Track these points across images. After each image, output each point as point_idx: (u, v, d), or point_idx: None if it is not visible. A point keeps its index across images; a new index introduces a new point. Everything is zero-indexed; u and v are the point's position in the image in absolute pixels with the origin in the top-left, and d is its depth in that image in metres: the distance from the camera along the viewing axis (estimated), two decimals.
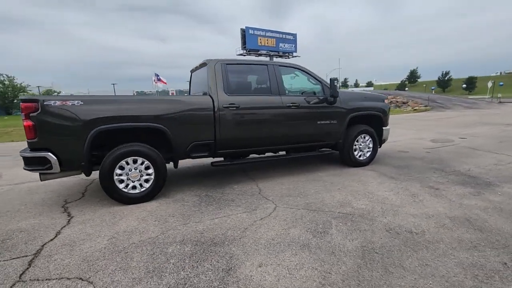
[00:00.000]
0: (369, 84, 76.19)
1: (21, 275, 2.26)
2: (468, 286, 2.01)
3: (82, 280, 2.18)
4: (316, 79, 4.80)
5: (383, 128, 5.38)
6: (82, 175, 4.10)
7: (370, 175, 4.75)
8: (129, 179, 3.64)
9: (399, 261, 2.31)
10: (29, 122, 3.20)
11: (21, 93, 35.01)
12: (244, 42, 45.13)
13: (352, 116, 4.97)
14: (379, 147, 5.70)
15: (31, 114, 3.19)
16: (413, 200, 3.61)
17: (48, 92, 39.30)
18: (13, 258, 2.50)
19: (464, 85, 71.06)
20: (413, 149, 6.87)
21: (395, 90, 62.01)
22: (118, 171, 3.57)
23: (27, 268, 2.35)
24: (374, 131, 5.28)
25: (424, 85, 66.43)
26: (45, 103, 3.23)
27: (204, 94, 4.26)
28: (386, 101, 5.49)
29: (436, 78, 63.76)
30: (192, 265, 2.32)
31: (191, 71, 5.28)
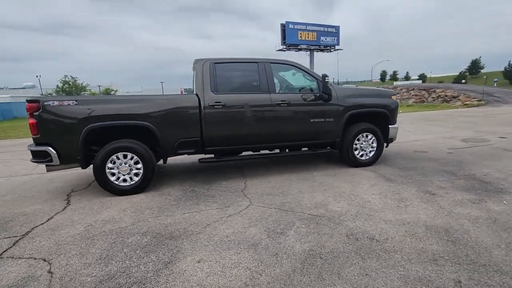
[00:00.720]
0: (422, 77, 69.89)
1: (3, 252, 2.64)
2: None
3: (45, 261, 2.47)
4: (312, 75, 4.65)
5: (389, 126, 5.01)
6: None
7: (367, 176, 4.48)
8: (120, 173, 3.95)
9: (339, 268, 2.20)
10: (33, 120, 3.66)
11: (82, 92, 39.20)
12: (284, 37, 44.69)
13: (351, 113, 4.72)
14: (386, 147, 5.32)
15: (34, 113, 3.64)
16: (398, 205, 3.35)
17: (107, 91, 43.38)
18: (5, 238, 2.92)
19: None
20: (434, 149, 6.26)
21: (452, 82, 56.07)
22: (109, 165, 3.89)
23: (10, 247, 2.73)
24: (379, 130, 4.94)
25: (485, 77, 58.77)
26: (45, 103, 3.65)
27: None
28: (394, 97, 5.07)
29: (502, 69, 55.97)
30: (140, 256, 2.48)
31: (193, 69, 5.47)
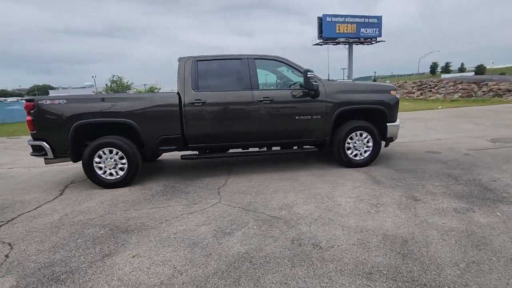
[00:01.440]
0: (480, 68, 62.55)
1: None
2: None
3: (9, 245, 2.73)
4: (300, 71, 4.45)
5: (387, 124, 4.60)
6: None
7: (355, 177, 4.19)
8: (106, 167, 4.19)
9: (262, 274, 2.10)
10: (29, 118, 4.04)
11: (127, 90, 42.22)
12: (320, 31, 43.37)
13: (341, 110, 4.42)
14: (386, 146, 4.90)
15: (30, 111, 4.02)
16: (368, 210, 3.08)
17: (151, 89, 46.27)
18: None
19: None
20: (452, 149, 5.61)
21: None
22: (97, 159, 4.15)
23: None
24: (376, 128, 4.57)
25: None
26: (39, 102, 4.01)
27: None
28: (393, 92, 4.63)
29: None
30: (87, 247, 2.62)
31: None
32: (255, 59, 4.41)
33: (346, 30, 42.76)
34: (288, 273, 2.09)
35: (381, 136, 4.65)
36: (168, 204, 3.57)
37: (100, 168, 4.19)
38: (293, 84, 4.61)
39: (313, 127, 4.45)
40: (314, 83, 4.13)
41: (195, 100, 4.18)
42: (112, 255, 2.47)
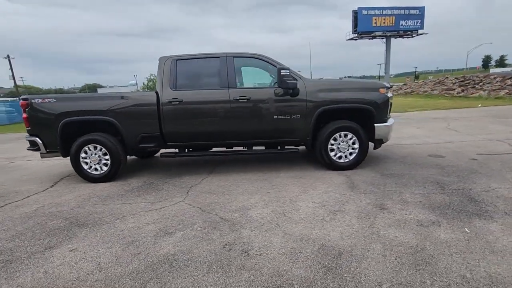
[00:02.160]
0: None
1: None
2: None
3: None
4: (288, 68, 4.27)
5: (375, 125, 4.25)
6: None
7: (332, 181, 3.95)
8: (91, 162, 4.43)
9: (171, 278, 2.06)
10: (25, 115, 4.39)
11: None
12: (355, 25, 41.55)
13: (323, 110, 4.18)
14: (374, 149, 4.55)
15: (26, 109, 4.37)
16: (324, 218, 2.89)
17: None
18: None
19: None
20: (460, 153, 5.03)
21: None
22: (83, 155, 4.40)
23: None
24: (362, 129, 4.26)
25: None
26: (32, 101, 4.33)
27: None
28: (382, 90, 4.25)
29: None
30: (39, 238, 2.79)
31: None
32: (234, 57, 4.34)
33: (384, 23, 40.45)
34: (198, 279, 2.04)
35: (369, 137, 4.33)
36: (136, 200, 3.67)
37: (86, 163, 4.44)
38: (275, 82, 4.46)
39: (293, 127, 4.27)
40: (289, 81, 3.95)
41: (172, 99, 4.23)
42: (55, 247, 2.60)
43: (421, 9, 40.90)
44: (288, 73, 3.94)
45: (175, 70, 4.32)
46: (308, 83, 4.24)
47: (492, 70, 41.78)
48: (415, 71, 58.14)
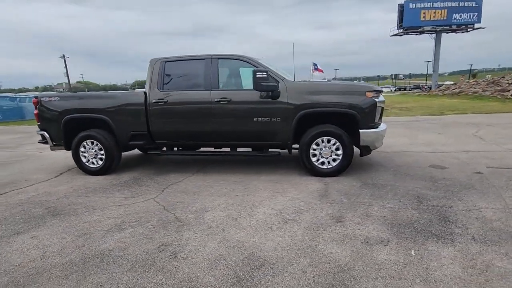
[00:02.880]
0: None
1: None
2: None
3: None
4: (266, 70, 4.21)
5: (360, 130, 3.98)
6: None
7: (307, 187, 3.81)
8: (88, 156, 4.80)
9: (96, 273, 2.19)
10: (36, 111, 4.91)
11: None
12: (401, 20, 38.92)
13: (304, 113, 4.04)
14: (361, 156, 4.28)
15: (37, 106, 4.88)
16: (271, 226, 2.82)
17: None
18: None
19: None
20: (466, 165, 4.50)
21: None
22: (82, 149, 4.80)
23: None
24: (346, 135, 4.04)
25: None
26: (41, 99, 4.83)
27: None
28: (369, 94, 3.94)
29: None
30: (15, 223, 3.11)
31: None
32: (218, 59, 4.38)
33: (434, 17, 37.31)
34: (115, 276, 2.13)
35: (354, 144, 4.09)
36: (114, 194, 3.91)
37: (85, 157, 4.83)
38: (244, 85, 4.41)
39: (273, 130, 4.19)
40: (264, 83, 3.87)
41: (158, 99, 4.41)
42: (21, 233, 2.89)
43: (478, 1, 36.91)
44: (265, 76, 3.87)
45: (163, 71, 4.49)
46: (290, 85, 4.12)
47: None
48: (470, 69, 52.79)
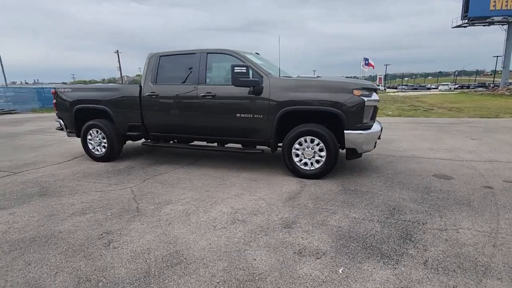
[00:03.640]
0: None
1: None
2: None
3: None
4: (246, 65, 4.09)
5: (345, 131, 3.65)
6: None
7: (281, 188, 3.64)
8: (94, 144, 5.20)
9: (34, 252, 2.37)
10: (54, 101, 5.45)
11: None
12: (466, 9, 34.68)
13: (285, 111, 3.84)
14: (347, 159, 3.91)
15: (55, 97, 5.42)
16: (217, 225, 2.76)
17: None
18: (5, 171, 4.74)
19: None
20: (481, 177, 3.85)
21: None
22: (89, 137, 5.22)
23: None
24: (331, 135, 3.74)
25: None
26: (57, 90, 5.34)
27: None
28: (357, 92, 3.56)
29: None
30: (7, 199, 3.51)
31: None
32: (207, 53, 4.36)
33: (506, 5, 32.52)
34: (45, 258, 2.28)
35: (337, 145, 3.78)
36: (101, 181, 4.17)
37: (91, 144, 5.24)
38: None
39: (255, 127, 4.07)
40: (242, 78, 3.75)
41: (151, 92, 4.57)
42: (4, 209, 3.24)
43: None
44: (244, 70, 3.75)
45: (158, 65, 4.63)
46: (273, 81, 3.94)
47: None
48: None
